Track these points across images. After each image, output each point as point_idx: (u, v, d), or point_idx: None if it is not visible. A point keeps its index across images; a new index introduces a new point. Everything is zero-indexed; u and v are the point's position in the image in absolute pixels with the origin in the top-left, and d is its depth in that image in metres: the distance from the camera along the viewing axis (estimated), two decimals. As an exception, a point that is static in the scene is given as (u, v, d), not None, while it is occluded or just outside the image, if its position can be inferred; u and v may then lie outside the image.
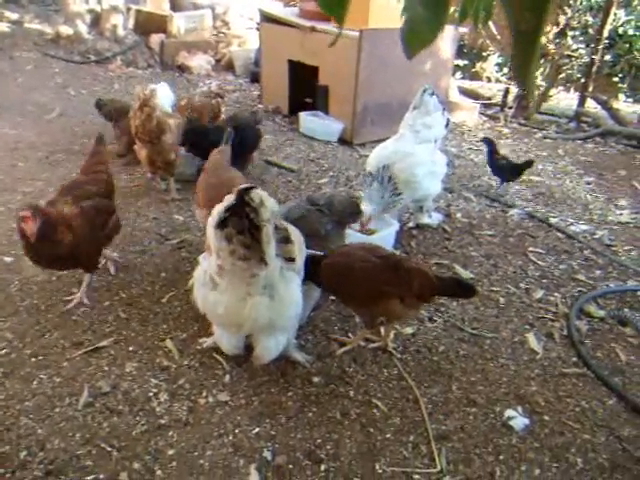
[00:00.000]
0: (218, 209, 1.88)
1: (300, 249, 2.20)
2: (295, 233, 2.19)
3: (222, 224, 1.86)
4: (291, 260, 2.10)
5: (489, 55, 8.70)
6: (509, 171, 4.49)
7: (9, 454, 1.91)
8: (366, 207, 3.17)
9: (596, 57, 6.00)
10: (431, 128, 3.52)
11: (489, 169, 4.58)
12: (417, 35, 0.93)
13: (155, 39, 8.13)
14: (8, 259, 3.09)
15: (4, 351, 2.40)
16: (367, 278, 2.26)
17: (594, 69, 6.15)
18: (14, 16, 8.98)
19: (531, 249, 3.61)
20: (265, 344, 2.19)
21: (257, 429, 2.08)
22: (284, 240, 2.06)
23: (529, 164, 4.49)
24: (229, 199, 1.85)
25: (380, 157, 3.37)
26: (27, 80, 6.60)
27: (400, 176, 3.27)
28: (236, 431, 2.07)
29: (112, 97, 5.36)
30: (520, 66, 0.98)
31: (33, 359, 2.37)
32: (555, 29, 6.22)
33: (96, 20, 7.90)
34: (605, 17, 5.81)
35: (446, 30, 4.83)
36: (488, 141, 4.55)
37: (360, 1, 5.20)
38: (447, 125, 3.67)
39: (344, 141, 5.54)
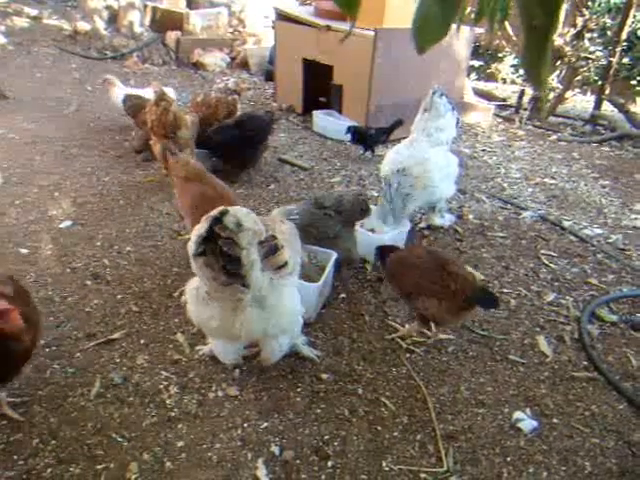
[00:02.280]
0: (193, 238, 1.80)
1: (293, 249, 2.12)
2: (286, 234, 2.11)
3: (201, 252, 1.78)
4: (282, 266, 2.00)
5: (505, 56, 8.64)
6: (375, 138, 5.03)
7: (22, 441, 1.95)
8: (377, 221, 3.20)
9: (614, 59, 5.93)
10: (444, 131, 3.51)
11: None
12: (427, 31, 0.93)
13: (171, 36, 8.19)
14: (24, 251, 3.14)
15: (19, 341, 2.44)
16: (413, 273, 2.43)
17: (611, 72, 6.08)
18: (33, 12, 9.13)
19: (543, 252, 3.58)
20: (268, 347, 2.19)
21: (265, 424, 2.10)
22: (273, 250, 1.93)
23: (398, 124, 4.93)
24: (202, 227, 1.76)
25: (394, 162, 3.36)
26: (45, 75, 6.69)
27: (417, 181, 3.26)
28: (245, 425, 2.09)
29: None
30: (531, 64, 0.98)
31: (47, 349, 2.41)
32: (572, 31, 6.16)
33: (113, 17, 7.99)
34: (624, 19, 5.74)
35: (462, 31, 4.84)
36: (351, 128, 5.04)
37: (376, 1, 5.20)
38: (457, 124, 3.66)
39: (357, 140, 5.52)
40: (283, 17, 6.35)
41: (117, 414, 2.10)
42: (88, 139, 5.00)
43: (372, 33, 5.06)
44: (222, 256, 1.73)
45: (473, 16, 3.09)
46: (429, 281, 2.38)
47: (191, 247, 1.81)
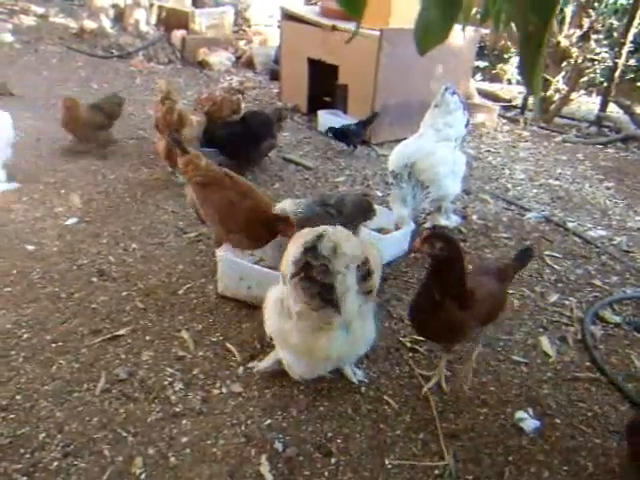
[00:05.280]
0: (290, 260, 1.80)
1: (379, 275, 2.12)
2: (375, 259, 2.06)
3: (293, 276, 1.80)
4: (370, 292, 2.03)
5: (510, 57, 8.63)
6: (356, 133, 5.10)
7: (29, 435, 1.97)
8: (401, 210, 3.20)
9: (620, 61, 5.92)
10: (452, 127, 3.54)
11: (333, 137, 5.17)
12: (428, 34, 0.95)
13: (177, 35, 8.21)
14: (31, 247, 3.16)
15: (25, 336, 2.46)
16: None
17: (617, 73, 6.07)
18: (40, 10, 9.19)
19: (547, 253, 3.59)
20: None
21: (269, 421, 2.11)
22: (365, 276, 1.95)
23: (375, 116, 5.14)
24: (297, 252, 1.77)
25: (402, 155, 3.39)
26: (52, 73, 6.73)
27: (422, 175, 3.28)
28: (248, 422, 2.10)
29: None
30: (526, 68, 1.00)
31: (53, 345, 2.43)
32: (579, 32, 6.15)
33: (119, 15, 8.03)
34: (630, 20, 5.73)
35: (467, 31, 4.84)
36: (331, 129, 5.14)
37: (381, 1, 5.21)
38: (467, 125, 3.68)
39: (362, 140, 5.53)
40: (289, 16, 6.37)
41: (122, 409, 2.12)
42: (94, 137, 5.02)
43: (378, 33, 5.07)
44: (316, 283, 1.75)
45: (479, 17, 3.10)
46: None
47: (287, 270, 1.83)
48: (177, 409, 2.14)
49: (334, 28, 5.58)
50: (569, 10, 5.97)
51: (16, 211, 3.55)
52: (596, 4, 5.94)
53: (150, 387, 2.23)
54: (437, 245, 1.98)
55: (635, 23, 5.79)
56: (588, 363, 2.60)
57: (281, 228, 2.74)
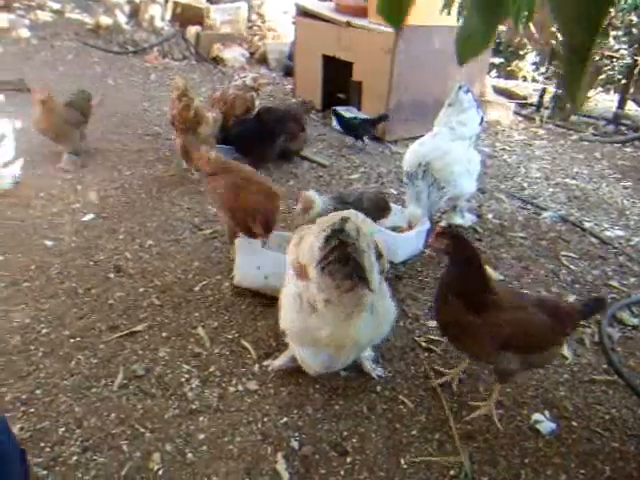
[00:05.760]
0: (317, 247, 1.82)
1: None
2: (381, 243, 2.09)
3: (322, 261, 1.82)
4: (383, 271, 2.06)
5: (526, 54, 8.53)
6: (363, 127, 5.12)
7: (48, 430, 2.00)
8: (414, 209, 3.19)
9: (639, 58, 5.83)
10: (466, 125, 3.51)
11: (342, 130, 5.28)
12: (469, 44, 0.94)
13: (191, 31, 8.23)
14: (49, 243, 3.20)
15: (44, 331, 2.50)
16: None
17: (636, 71, 5.97)
18: (56, 6, 9.23)
19: (564, 253, 3.55)
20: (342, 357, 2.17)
21: (285, 419, 2.13)
22: (378, 256, 1.99)
23: (383, 118, 5.15)
24: (321, 236, 1.80)
25: (417, 154, 3.37)
26: (68, 69, 6.78)
27: (437, 174, 3.26)
28: (264, 420, 2.11)
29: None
30: (569, 83, 0.98)
31: (71, 340, 2.46)
32: (597, 28, 6.06)
33: (135, 11, 8.06)
34: (651, 17, 5.65)
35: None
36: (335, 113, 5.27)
37: (398, -3, 5.17)
38: (481, 123, 3.65)
39: (376, 137, 5.52)
40: (304, 13, 6.35)
41: (140, 405, 2.14)
42: (110, 133, 5.06)
43: (392, 30, 5.03)
44: (347, 263, 1.78)
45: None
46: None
47: (314, 257, 1.84)
48: (194, 406, 2.16)
49: (349, 24, 5.55)
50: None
51: (34, 206, 3.59)
52: (615, 0, 5.84)
53: (167, 384, 2.26)
54: (444, 241, 2.01)
55: (655, 20, 5.69)
56: (605, 365, 2.57)
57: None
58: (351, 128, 5.18)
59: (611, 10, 6.01)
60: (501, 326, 1.99)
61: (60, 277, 2.91)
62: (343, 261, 1.78)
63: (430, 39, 5.33)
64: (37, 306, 2.66)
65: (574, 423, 2.23)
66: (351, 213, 1.85)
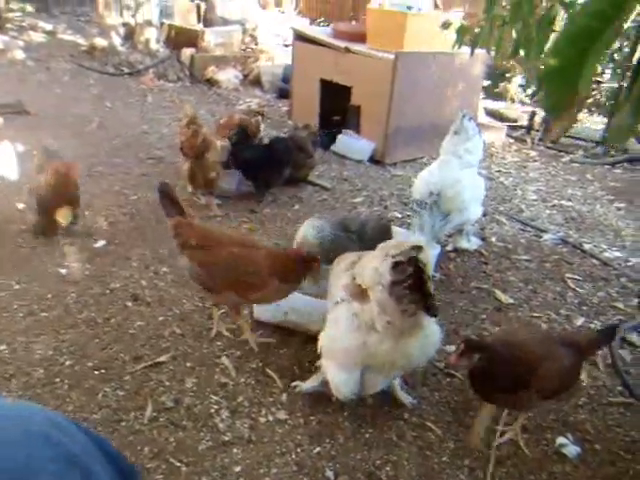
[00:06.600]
0: (383, 272, 1.89)
1: None
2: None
3: (394, 286, 1.88)
4: None
5: (513, 76, 8.77)
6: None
7: (83, 465, 1.98)
8: (417, 237, 3.25)
9: (624, 83, 6.06)
10: (473, 153, 3.61)
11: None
12: (620, 134, 1.05)
13: (186, 53, 8.31)
14: (63, 271, 3.19)
15: (68, 363, 2.48)
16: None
17: (622, 95, 6.20)
18: (48, 27, 9.26)
19: (568, 275, 3.65)
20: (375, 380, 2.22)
21: (318, 448, 2.14)
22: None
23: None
24: (389, 261, 1.87)
25: (428, 184, 3.42)
26: (64, 91, 6.77)
27: (448, 203, 3.34)
28: (298, 450, 2.13)
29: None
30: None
31: (96, 372, 2.45)
32: (585, 55, 6.31)
33: (130, 33, 8.11)
34: (636, 42, 5.88)
35: (477, 53, 4.97)
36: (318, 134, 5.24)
37: (396, 26, 5.33)
38: (484, 147, 3.77)
39: (375, 160, 5.63)
40: (301, 37, 6.47)
41: (172, 438, 2.14)
42: (112, 156, 5.06)
43: (392, 56, 5.17)
44: (416, 289, 1.87)
45: (510, 50, 3.16)
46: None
47: (379, 282, 1.91)
48: (226, 437, 2.16)
49: (347, 50, 5.68)
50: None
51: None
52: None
53: (197, 415, 2.26)
54: (475, 357, 1.95)
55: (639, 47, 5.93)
56: (620, 387, 2.65)
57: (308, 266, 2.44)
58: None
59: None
60: (542, 381, 1.98)
61: (78, 306, 2.90)
62: (414, 288, 1.86)
63: (428, 65, 5.49)
64: (57, 337, 2.64)
65: (597, 446, 2.29)
66: (421, 241, 1.94)
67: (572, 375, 2.12)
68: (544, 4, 2.46)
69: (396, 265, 1.87)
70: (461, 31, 2.89)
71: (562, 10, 2.24)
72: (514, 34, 2.61)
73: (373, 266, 1.98)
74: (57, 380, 2.38)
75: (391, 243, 2.09)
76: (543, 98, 1.27)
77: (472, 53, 2.91)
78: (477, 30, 2.76)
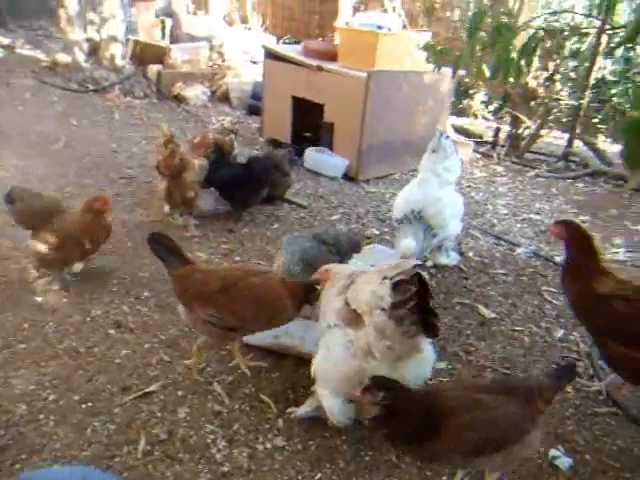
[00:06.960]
0: (383, 295, 1.88)
1: None
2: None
3: (396, 308, 1.87)
4: None
5: (475, 92, 9.08)
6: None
7: (76, 507, 1.89)
8: (409, 241, 3.27)
9: (583, 102, 6.38)
10: (451, 171, 3.70)
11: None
12: (636, 161, 1.11)
13: (152, 69, 8.19)
14: (39, 299, 3.06)
15: (52, 397, 2.37)
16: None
17: (582, 112, 6.52)
18: (6, 41, 8.94)
19: (544, 288, 3.77)
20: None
21: (319, 474, 2.12)
22: None
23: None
24: (387, 283, 1.87)
25: (408, 203, 3.47)
26: (27, 108, 6.54)
27: (430, 220, 3.40)
28: (299, 477, 2.10)
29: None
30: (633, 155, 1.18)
31: (83, 405, 2.35)
32: (545, 74, 6.61)
33: (94, 49, 7.91)
34: (591, 65, 6.22)
35: (444, 72, 5.09)
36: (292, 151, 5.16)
37: (368, 45, 5.43)
38: (461, 164, 3.87)
39: (348, 177, 5.68)
40: (271, 55, 6.50)
41: (169, 472, 2.07)
42: (81, 177, 4.91)
43: (365, 75, 5.26)
44: (421, 309, 1.86)
45: (488, 75, 3.29)
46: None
47: (378, 305, 1.90)
48: (225, 468, 2.11)
49: (320, 69, 5.74)
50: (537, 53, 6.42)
51: (15, 259, 3.42)
52: (560, 50, 6.41)
53: (193, 446, 2.20)
54: (379, 395, 1.78)
55: (595, 67, 6.27)
56: (602, 397, 2.74)
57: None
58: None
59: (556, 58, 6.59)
60: (462, 435, 1.76)
61: (57, 336, 2.78)
62: (416, 307, 1.86)
63: (399, 83, 5.61)
64: (39, 370, 2.53)
65: (587, 456, 2.36)
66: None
67: (517, 426, 1.86)
68: (527, 30, 2.57)
69: (396, 286, 1.88)
70: (441, 53, 2.97)
71: (547, 37, 2.35)
72: (494, 58, 2.71)
73: (370, 289, 1.98)
74: (41, 416, 2.27)
75: (385, 266, 2.08)
76: (623, 147, 1.32)
77: (454, 75, 3.00)
78: (457, 53, 2.84)
